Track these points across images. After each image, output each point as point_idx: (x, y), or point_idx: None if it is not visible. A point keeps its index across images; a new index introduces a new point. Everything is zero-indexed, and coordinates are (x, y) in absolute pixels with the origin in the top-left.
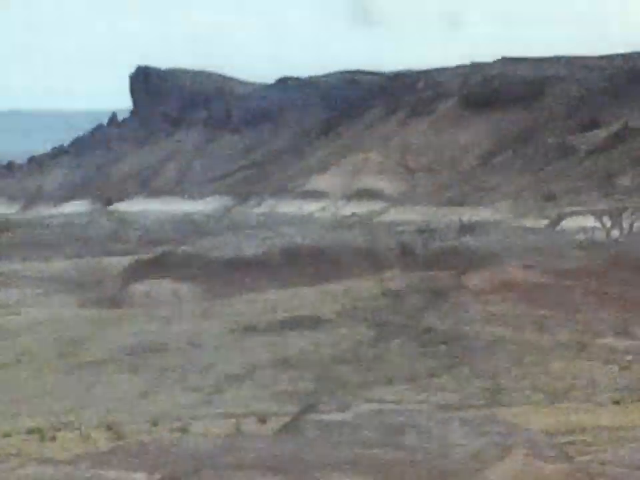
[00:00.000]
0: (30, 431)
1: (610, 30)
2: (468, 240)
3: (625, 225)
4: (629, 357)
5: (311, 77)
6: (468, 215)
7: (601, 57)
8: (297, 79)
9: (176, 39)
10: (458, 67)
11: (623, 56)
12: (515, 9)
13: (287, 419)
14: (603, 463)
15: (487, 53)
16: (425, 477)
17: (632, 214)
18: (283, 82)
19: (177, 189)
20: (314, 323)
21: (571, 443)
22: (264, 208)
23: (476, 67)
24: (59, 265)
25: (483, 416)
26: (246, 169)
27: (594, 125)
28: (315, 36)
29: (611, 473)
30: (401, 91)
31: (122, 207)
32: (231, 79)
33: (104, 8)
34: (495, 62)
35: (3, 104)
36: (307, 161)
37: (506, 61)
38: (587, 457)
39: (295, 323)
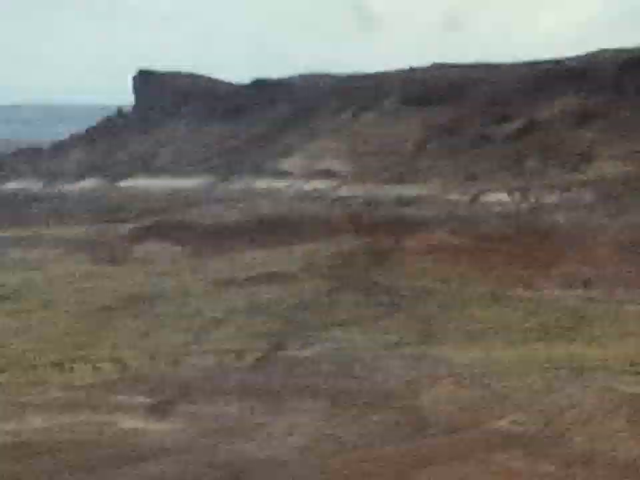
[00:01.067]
0: (52, 364)
1: (519, 40)
2: (405, 211)
3: (531, 199)
4: (533, 305)
5: (279, 79)
6: (405, 190)
7: (512, 64)
8: (268, 80)
9: (171, 45)
10: (399, 71)
11: (530, 62)
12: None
13: (260, 354)
14: (512, 389)
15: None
16: (370, 400)
17: (537, 191)
18: (257, 83)
19: (171, 168)
20: (281, 277)
21: (487, 373)
22: (241, 185)
23: (414, 71)
24: (75, 230)
25: (417, 352)
26: (227, 153)
27: (506, 119)
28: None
29: (516, 397)
30: (352, 91)
31: (126, 183)
32: (215, 80)
33: (109, 18)
34: (429, 67)
35: (29, 98)
36: (276, 147)
37: (438, 66)
38: (499, 385)
39: (265, 278)
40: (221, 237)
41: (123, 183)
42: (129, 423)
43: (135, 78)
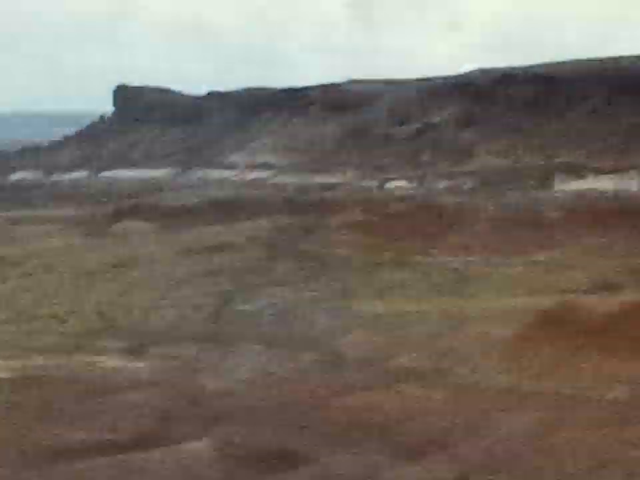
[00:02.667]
0: (50, 315)
1: (418, 60)
2: (327, 195)
3: (425, 185)
4: (427, 268)
5: (228, 92)
6: (327, 179)
7: (411, 79)
8: (220, 92)
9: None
10: (321, 85)
11: (425, 78)
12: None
13: (213, 308)
14: (411, 335)
15: None
16: (300, 343)
17: (429, 179)
18: (210, 94)
19: (143, 162)
20: (230, 247)
21: (391, 322)
22: (198, 175)
23: (334, 85)
24: (68, 211)
25: (337, 306)
26: (187, 150)
27: (406, 122)
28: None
29: (414, 340)
30: (285, 101)
31: (107, 174)
32: (177, 92)
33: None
34: (346, 82)
35: (31, 107)
36: (225, 145)
37: (354, 81)
38: (401, 331)
39: (218, 248)
40: (182, 216)
41: (104, 174)
42: (110, 362)
43: (114, 90)
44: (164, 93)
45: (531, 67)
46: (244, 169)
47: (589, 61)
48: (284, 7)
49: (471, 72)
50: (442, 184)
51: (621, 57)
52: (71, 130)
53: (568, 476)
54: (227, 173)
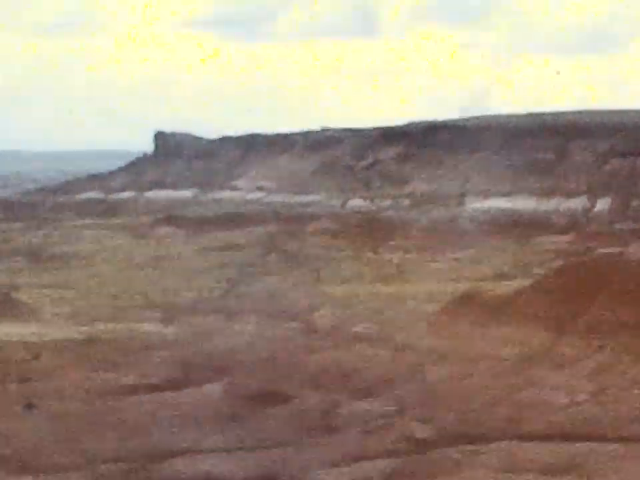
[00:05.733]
0: (109, 295)
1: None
2: (305, 209)
3: (376, 203)
4: (377, 262)
5: (236, 136)
6: (305, 198)
7: (364, 128)
8: (229, 136)
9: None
10: (303, 131)
11: (375, 127)
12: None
13: (223, 290)
14: (363, 310)
15: None
16: (285, 316)
17: (378, 199)
18: (223, 138)
19: (174, 185)
20: (235, 247)
21: (350, 301)
22: (214, 195)
23: (310, 131)
24: (121, 220)
25: (311, 289)
26: (205, 177)
27: (362, 158)
28: None
29: (366, 314)
30: (276, 142)
31: (149, 194)
32: (196, 136)
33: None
34: (320, 130)
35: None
36: (233, 173)
37: (326, 129)
38: (358, 307)
39: (227, 247)
40: (202, 224)
41: (147, 194)
42: (148, 327)
43: (155, 135)
44: (189, 137)
45: (450, 120)
46: (245, 191)
47: (494, 116)
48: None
49: (408, 123)
50: (387, 203)
51: (513, 115)
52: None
53: (473, 410)
54: (233, 194)
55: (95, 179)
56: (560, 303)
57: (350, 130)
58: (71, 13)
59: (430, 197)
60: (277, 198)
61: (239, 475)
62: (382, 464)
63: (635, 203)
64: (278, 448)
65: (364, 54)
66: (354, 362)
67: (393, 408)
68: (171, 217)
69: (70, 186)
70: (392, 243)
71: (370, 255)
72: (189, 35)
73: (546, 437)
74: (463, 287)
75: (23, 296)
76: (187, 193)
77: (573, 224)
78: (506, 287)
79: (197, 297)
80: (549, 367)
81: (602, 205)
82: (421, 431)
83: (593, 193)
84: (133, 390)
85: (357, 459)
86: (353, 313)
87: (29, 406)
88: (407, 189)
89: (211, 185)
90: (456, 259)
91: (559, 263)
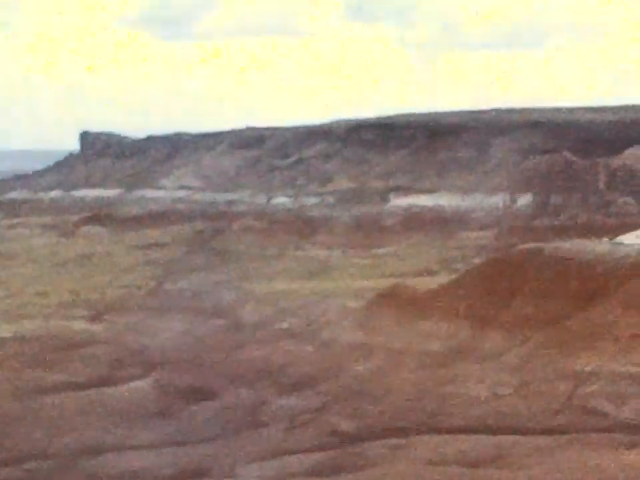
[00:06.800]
0: (36, 293)
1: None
2: (231, 207)
3: (300, 201)
4: (302, 259)
5: (161, 135)
6: (231, 196)
7: (289, 127)
8: (155, 135)
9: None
10: (228, 130)
11: (298, 126)
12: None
13: (150, 287)
14: (290, 306)
15: None
16: (213, 312)
17: (303, 197)
18: (149, 137)
19: (101, 184)
20: (161, 244)
21: (276, 298)
22: (140, 194)
23: (235, 130)
24: (47, 219)
25: (237, 286)
26: (131, 176)
27: (286, 156)
28: None
29: (291, 310)
30: (202, 140)
31: (76, 193)
32: (124, 136)
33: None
34: (245, 128)
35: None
36: (159, 172)
37: (251, 128)
38: (283, 304)
39: (153, 245)
40: (128, 223)
41: (73, 193)
42: (77, 326)
43: (80, 134)
44: (115, 136)
45: (373, 118)
46: (171, 189)
47: (417, 114)
48: None
49: (332, 121)
50: (311, 200)
51: (437, 112)
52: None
53: (397, 404)
54: (159, 193)
55: (21, 179)
56: (483, 297)
57: (274, 128)
58: None
59: (354, 194)
60: (203, 196)
61: (167, 470)
62: (307, 458)
63: (554, 200)
64: (205, 443)
65: (288, 52)
66: (280, 358)
67: (319, 403)
68: (98, 215)
69: None
70: (317, 239)
71: (295, 252)
72: (114, 35)
73: (470, 430)
74: (387, 282)
75: None
76: (113, 192)
77: (494, 220)
78: (430, 283)
79: (124, 295)
80: (472, 360)
81: (523, 201)
82: (346, 426)
83: (514, 190)
84: (62, 387)
85: (283, 453)
86: (278, 310)
87: None
88: (331, 186)
89: (137, 183)
90: (380, 255)
91: (481, 258)
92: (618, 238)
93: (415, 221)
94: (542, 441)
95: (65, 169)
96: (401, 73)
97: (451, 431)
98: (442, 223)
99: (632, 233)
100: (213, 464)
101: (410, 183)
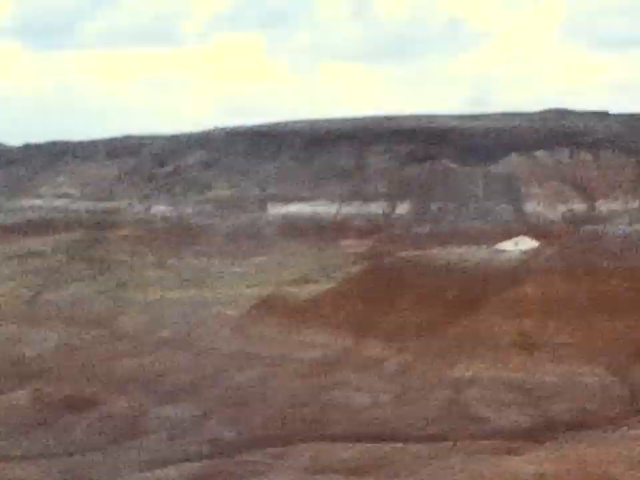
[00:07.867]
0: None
1: None
2: (109, 217)
3: (179, 209)
4: (181, 268)
5: (38, 143)
6: (108, 205)
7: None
8: (31, 143)
9: None
10: (107, 138)
11: (182, 133)
12: None
13: (29, 298)
14: (166, 315)
15: None
16: (91, 321)
17: (181, 206)
18: (26, 145)
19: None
20: (39, 254)
21: (155, 306)
22: (16, 204)
23: (113, 138)
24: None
25: (115, 295)
26: (9, 185)
27: (163, 165)
28: None
29: (171, 316)
30: (80, 148)
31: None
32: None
33: None
34: (122, 137)
35: None
36: (38, 181)
37: (128, 136)
38: (162, 313)
39: (30, 254)
40: (6, 232)
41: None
42: None
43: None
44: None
45: (252, 126)
46: (49, 198)
47: (295, 122)
48: None
49: (210, 129)
50: (190, 209)
51: (314, 120)
52: None
53: (278, 412)
54: (37, 202)
55: None
56: (362, 305)
57: (152, 137)
58: None
59: (232, 203)
60: (81, 205)
61: None
62: (187, 467)
63: (433, 207)
64: (85, 453)
65: (163, 63)
66: (159, 367)
67: (199, 412)
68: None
69: None
70: (195, 248)
71: (173, 260)
72: None
73: (351, 438)
74: (266, 291)
75: None
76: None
77: (373, 228)
78: (308, 291)
79: (1, 305)
80: (352, 369)
81: (401, 209)
82: (226, 435)
83: (393, 197)
84: None
85: (163, 463)
86: (157, 319)
87: None
88: (210, 194)
89: (14, 192)
90: (258, 264)
91: (360, 266)
92: (497, 245)
93: (293, 229)
94: (423, 448)
95: None
96: (278, 81)
97: (332, 438)
98: (320, 231)
99: (510, 240)
100: (93, 474)
101: (287, 191)
